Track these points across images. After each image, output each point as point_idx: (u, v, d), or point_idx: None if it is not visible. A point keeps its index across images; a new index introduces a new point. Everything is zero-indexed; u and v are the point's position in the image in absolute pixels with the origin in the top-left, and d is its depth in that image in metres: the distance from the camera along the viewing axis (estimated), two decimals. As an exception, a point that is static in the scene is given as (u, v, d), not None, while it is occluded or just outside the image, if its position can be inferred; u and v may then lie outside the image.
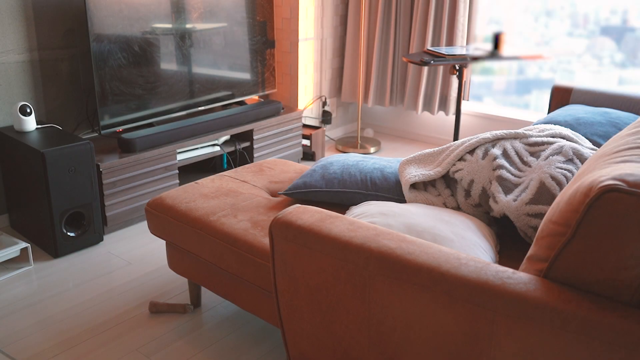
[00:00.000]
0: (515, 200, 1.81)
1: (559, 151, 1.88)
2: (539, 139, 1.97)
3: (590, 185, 1.16)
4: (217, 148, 3.46)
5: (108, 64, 2.94)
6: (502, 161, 1.91)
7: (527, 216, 1.76)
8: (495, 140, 2.01)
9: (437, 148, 2.14)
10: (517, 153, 1.95)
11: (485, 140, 2.02)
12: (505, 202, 1.81)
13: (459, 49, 3.52)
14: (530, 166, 1.89)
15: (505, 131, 2.03)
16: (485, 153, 1.97)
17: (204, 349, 2.13)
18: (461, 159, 2.01)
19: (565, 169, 1.81)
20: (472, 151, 2.01)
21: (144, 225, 3.08)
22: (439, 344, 1.36)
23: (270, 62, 3.83)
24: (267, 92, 3.88)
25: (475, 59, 3.29)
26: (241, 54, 3.64)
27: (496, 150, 1.95)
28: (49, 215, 2.65)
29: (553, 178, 1.78)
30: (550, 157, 1.87)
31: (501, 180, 1.87)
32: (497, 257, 1.76)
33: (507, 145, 1.98)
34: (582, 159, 1.87)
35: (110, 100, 2.98)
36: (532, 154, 1.94)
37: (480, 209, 1.96)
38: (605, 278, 1.18)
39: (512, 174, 1.89)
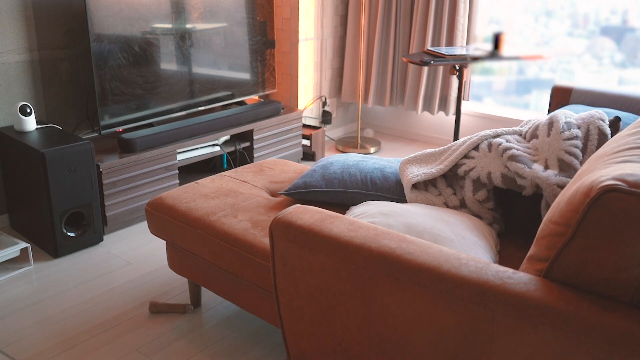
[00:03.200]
0: (543, 171, 1.85)
1: (553, 120, 1.98)
2: (531, 125, 2.05)
3: (590, 185, 1.16)
4: (217, 148, 3.46)
5: (108, 64, 2.94)
6: (507, 144, 1.97)
7: (557, 187, 1.80)
8: (495, 136, 2.05)
9: (437, 148, 2.16)
10: (517, 141, 2.01)
11: (486, 137, 2.04)
12: (533, 172, 1.85)
13: (459, 49, 3.52)
14: (536, 148, 1.97)
15: (504, 129, 2.06)
16: (490, 145, 2.01)
17: (204, 349, 2.13)
18: (466, 156, 2.02)
19: (570, 140, 1.89)
20: (475, 148, 2.03)
21: (144, 225, 3.08)
22: (439, 344, 1.36)
23: (270, 62, 3.83)
24: (267, 92, 3.88)
25: (475, 59, 3.29)
26: (241, 54, 3.64)
27: (499, 140, 2.01)
28: (49, 215, 2.65)
29: (567, 153, 1.86)
30: (550, 133, 1.96)
31: (515, 158, 1.90)
32: (497, 257, 1.77)
33: (508, 137, 2.02)
34: (574, 121, 1.97)
35: (110, 100, 2.98)
36: (533, 137, 2.03)
37: (487, 205, 1.96)
38: (605, 278, 1.18)
39: (523, 152, 1.95)
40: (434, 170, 2.03)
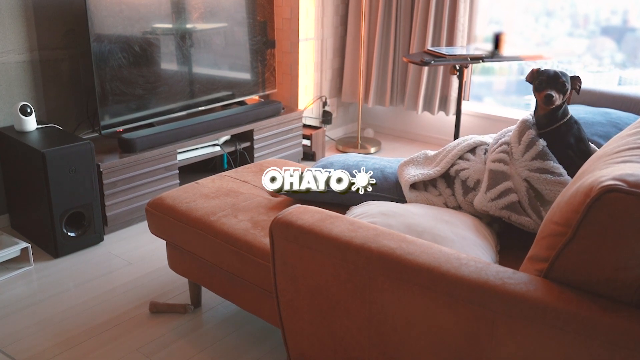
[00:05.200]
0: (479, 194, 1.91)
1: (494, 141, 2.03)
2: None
3: (590, 185, 1.16)
4: (218, 148, 3.46)
5: (108, 64, 2.94)
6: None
7: (491, 201, 1.84)
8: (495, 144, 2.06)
9: (434, 152, 2.18)
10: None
11: (483, 143, 2.05)
12: (476, 200, 1.90)
13: (459, 49, 3.52)
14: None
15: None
16: (486, 152, 2.01)
17: (204, 349, 2.13)
18: (461, 157, 2.03)
19: (500, 154, 1.92)
20: (473, 151, 2.04)
21: (144, 225, 3.08)
22: (439, 344, 1.36)
23: (271, 62, 3.83)
24: (267, 92, 3.88)
25: (476, 59, 3.29)
26: (241, 54, 3.64)
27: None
28: (49, 216, 2.65)
29: (494, 161, 1.91)
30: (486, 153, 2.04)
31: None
32: (497, 257, 1.77)
33: (503, 155, 2.06)
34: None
35: (111, 100, 2.98)
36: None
37: None
38: (605, 278, 1.18)
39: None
40: (432, 171, 2.03)
